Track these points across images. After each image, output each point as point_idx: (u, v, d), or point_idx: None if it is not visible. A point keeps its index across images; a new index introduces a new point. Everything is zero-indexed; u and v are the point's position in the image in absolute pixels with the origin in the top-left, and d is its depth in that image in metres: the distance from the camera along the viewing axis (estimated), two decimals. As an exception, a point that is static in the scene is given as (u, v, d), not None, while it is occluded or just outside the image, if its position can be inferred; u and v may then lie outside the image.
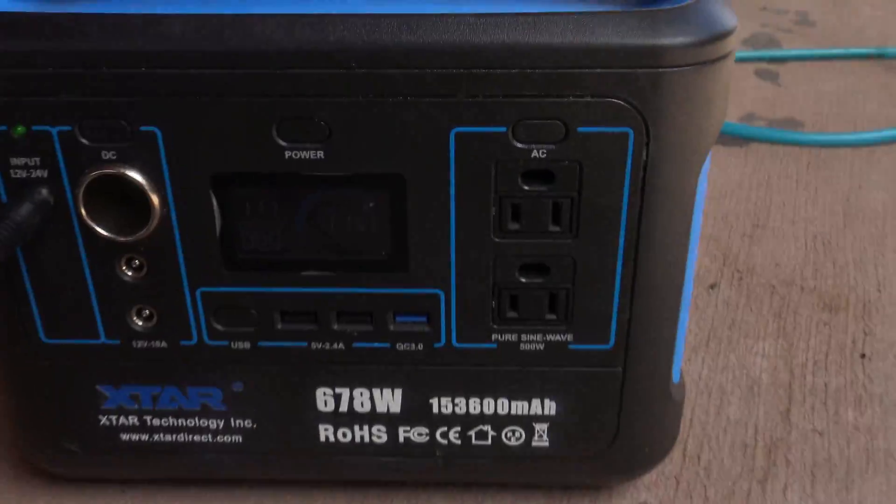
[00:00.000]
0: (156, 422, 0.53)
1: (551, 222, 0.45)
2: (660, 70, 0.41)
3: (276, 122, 0.41)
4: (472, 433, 0.52)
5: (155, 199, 0.45)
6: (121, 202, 0.46)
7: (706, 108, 0.43)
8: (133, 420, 0.53)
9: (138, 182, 0.44)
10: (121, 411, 0.52)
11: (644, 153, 0.43)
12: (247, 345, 0.47)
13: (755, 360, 0.70)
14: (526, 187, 0.44)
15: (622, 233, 0.45)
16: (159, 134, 0.43)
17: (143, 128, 0.43)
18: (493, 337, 0.46)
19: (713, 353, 0.70)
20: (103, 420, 0.52)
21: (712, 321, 0.75)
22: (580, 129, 0.42)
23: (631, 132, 0.42)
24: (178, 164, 0.44)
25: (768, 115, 1.08)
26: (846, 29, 1.33)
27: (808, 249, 0.83)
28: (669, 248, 0.46)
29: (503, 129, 0.42)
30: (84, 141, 0.43)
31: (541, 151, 0.43)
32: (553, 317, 0.48)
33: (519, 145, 0.43)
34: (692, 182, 0.45)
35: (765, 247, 0.83)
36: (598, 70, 0.41)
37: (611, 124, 0.42)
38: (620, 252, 0.45)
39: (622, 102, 0.42)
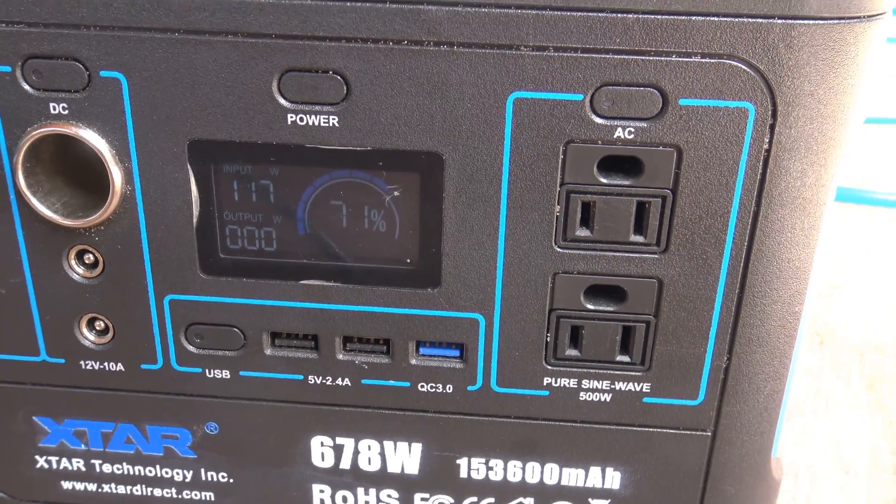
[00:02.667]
0: (106, 468, 0.42)
1: (633, 230, 0.34)
2: (798, 21, 0.30)
3: (278, 74, 0.32)
4: (509, 507, 0.41)
5: (116, 171, 0.34)
6: (72, 174, 0.37)
7: (853, 82, 0.32)
8: (77, 464, 0.42)
9: (95, 147, 0.34)
10: (62, 451, 0.42)
11: (767, 139, 0.32)
12: (226, 374, 0.37)
13: (849, 436, 0.58)
14: (603, 179, 0.33)
15: (728, 249, 0.34)
16: (125, 83, 0.33)
17: (104, 73, 0.33)
18: (545, 381, 0.36)
19: (797, 427, 0.59)
20: (40, 461, 0.42)
21: (792, 388, 0.64)
22: (682, 102, 0.31)
23: (751, 108, 0.31)
24: (147, 125, 0.34)
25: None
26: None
27: (900, 314, 0.73)
28: (788, 274, 0.35)
29: (578, 97, 0.32)
30: (27, 87, 0.34)
31: (627, 130, 0.32)
32: (626, 359, 0.37)
33: (598, 120, 0.32)
34: (826, 185, 0.33)
35: (846, 308, 0.73)
36: (713, 17, 0.30)
37: (724, 96, 0.31)
38: (723, 275, 0.34)
39: (742, 65, 0.31)
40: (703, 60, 0.31)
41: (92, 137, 0.34)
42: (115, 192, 0.35)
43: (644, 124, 0.33)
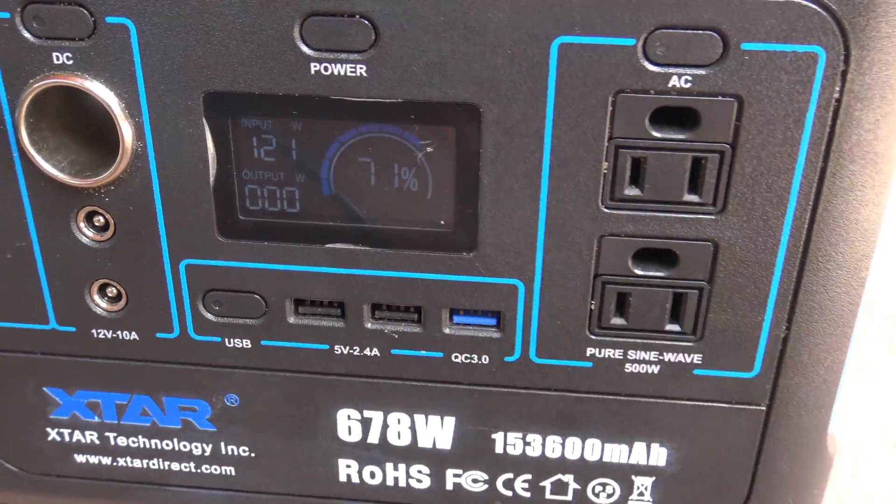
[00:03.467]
0: (121, 441, 0.40)
1: (688, 188, 0.31)
2: (879, -46, 0.27)
3: (300, 19, 0.29)
4: (547, 484, 0.39)
5: (126, 126, 0.32)
6: (79, 129, 0.34)
7: (935, 24, 0.29)
8: (91, 437, 0.40)
9: (103, 101, 0.31)
10: (75, 424, 0.40)
11: (838, 87, 0.29)
12: (247, 343, 0.35)
13: (896, 410, 0.55)
14: (656, 133, 0.30)
15: (791, 209, 0.31)
16: (133, 30, 0.30)
17: (111, 19, 0.31)
18: (589, 352, 0.34)
19: (838, 400, 0.56)
20: (52, 434, 0.40)
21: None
22: (745, 46, 0.29)
23: (821, 53, 0.28)
24: (159, 75, 0.32)
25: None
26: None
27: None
28: (855, 235, 0.32)
29: (630, 42, 0.29)
30: (28, 35, 0.32)
31: (683, 79, 0.29)
32: (676, 327, 0.34)
33: (652, 67, 0.29)
34: (899, 139, 0.30)
35: (890, 274, 0.70)
36: (784, -49, 0.27)
37: (792, 39, 0.29)
38: (785, 238, 0.32)
39: (813, 4, 0.28)
40: (769, 0, 0.28)
41: (99, 90, 0.32)
42: (126, 148, 0.33)
43: (702, 71, 0.30)
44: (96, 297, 0.37)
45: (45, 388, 0.39)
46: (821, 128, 0.30)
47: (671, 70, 0.30)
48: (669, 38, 0.29)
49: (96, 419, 0.40)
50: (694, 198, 0.32)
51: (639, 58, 0.30)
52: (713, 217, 0.32)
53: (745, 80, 0.30)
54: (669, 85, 0.30)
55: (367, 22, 0.30)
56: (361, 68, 0.31)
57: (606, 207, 0.32)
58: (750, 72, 0.29)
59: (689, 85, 0.30)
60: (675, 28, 0.29)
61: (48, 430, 0.41)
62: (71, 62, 0.32)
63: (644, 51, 0.30)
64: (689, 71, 0.30)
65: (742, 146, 0.31)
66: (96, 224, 0.35)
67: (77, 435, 0.41)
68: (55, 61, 0.32)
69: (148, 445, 0.40)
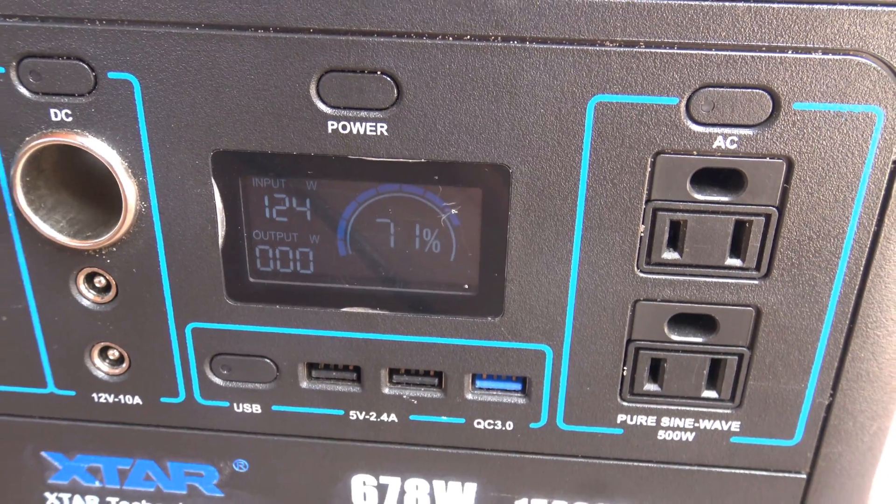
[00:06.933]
0: None
1: (730, 252, 0.29)
2: (944, 11, 0.25)
3: (317, 75, 0.28)
4: (575, 554, 0.36)
5: (129, 186, 0.30)
6: (80, 184, 0.33)
7: None
8: (92, 502, 0.39)
9: (104, 160, 0.29)
10: (75, 489, 0.39)
11: None
12: (256, 408, 0.34)
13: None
14: (697, 195, 0.28)
15: (840, 274, 0.29)
16: (137, 86, 0.29)
17: (113, 74, 0.29)
18: (620, 418, 0.33)
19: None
20: (51, 498, 0.39)
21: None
22: (797, 106, 0.27)
23: (879, 113, 0.27)
24: (165, 133, 0.30)
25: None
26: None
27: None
28: (907, 301, 0.30)
29: (673, 101, 0.27)
30: (24, 91, 0.30)
31: (729, 139, 0.27)
32: (713, 394, 0.33)
33: (695, 127, 0.27)
34: (958, 202, 0.28)
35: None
36: (841, 5, 0.26)
37: (848, 99, 0.27)
38: (833, 304, 0.30)
39: (872, 62, 0.26)
40: (826, 57, 0.26)
41: (100, 148, 0.30)
42: (128, 209, 0.31)
43: (749, 132, 0.28)
44: (97, 361, 0.35)
45: (43, 453, 0.37)
46: (875, 191, 0.28)
47: (716, 130, 0.28)
48: (715, 97, 0.27)
49: (97, 484, 0.38)
50: (736, 262, 0.30)
51: (682, 117, 0.28)
52: (756, 282, 0.30)
53: (795, 141, 0.28)
54: (714, 146, 0.28)
55: (388, 79, 0.28)
56: (382, 127, 0.29)
57: (642, 271, 0.30)
58: (801, 132, 0.28)
59: (734, 146, 0.28)
60: (722, 86, 0.27)
61: (46, 494, 0.39)
62: (70, 119, 0.30)
63: (687, 110, 0.28)
64: (735, 131, 0.28)
65: (790, 209, 0.29)
66: (97, 286, 0.33)
67: (77, 500, 0.39)
68: (53, 118, 0.30)
69: (151, 511, 0.38)
